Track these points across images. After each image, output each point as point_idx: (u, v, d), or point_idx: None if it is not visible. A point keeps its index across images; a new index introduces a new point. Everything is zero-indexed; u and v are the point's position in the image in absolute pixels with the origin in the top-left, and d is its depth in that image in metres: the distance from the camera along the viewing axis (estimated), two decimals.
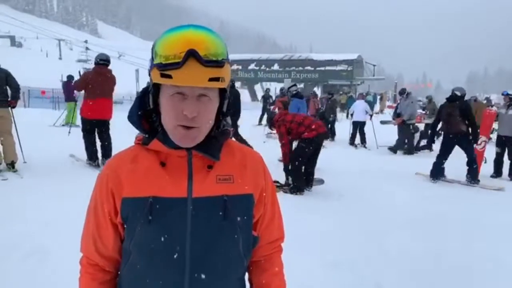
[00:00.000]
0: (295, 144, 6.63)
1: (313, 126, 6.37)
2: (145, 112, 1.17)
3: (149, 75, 1.11)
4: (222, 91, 1.14)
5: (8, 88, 6.66)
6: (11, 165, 6.60)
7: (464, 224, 5.15)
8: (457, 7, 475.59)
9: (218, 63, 1.04)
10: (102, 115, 7.20)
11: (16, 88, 6.72)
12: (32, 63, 52.36)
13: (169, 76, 1.03)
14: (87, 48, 65.34)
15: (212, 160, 1.16)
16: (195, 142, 1.12)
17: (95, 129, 7.29)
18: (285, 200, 5.95)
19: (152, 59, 1.08)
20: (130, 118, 1.18)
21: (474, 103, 14.66)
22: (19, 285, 3.24)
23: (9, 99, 6.69)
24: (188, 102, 1.06)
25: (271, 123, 6.97)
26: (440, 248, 4.29)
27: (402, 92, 11.76)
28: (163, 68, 1.03)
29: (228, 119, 1.24)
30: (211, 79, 1.04)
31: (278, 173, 6.65)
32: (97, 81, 7.08)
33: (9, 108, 6.71)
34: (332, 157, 8.67)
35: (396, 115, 11.69)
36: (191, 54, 1.01)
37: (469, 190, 7.14)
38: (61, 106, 19.94)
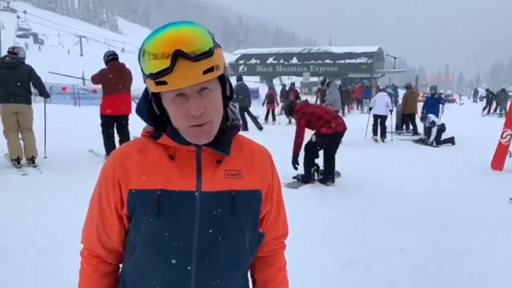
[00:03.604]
0: (312, 136, 6.57)
1: (333, 124, 6.37)
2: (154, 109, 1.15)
3: (145, 82, 1.09)
4: (220, 77, 1.11)
5: (31, 84, 6.78)
6: (32, 161, 6.72)
7: (485, 222, 5.02)
8: None
9: (208, 54, 1.01)
10: (121, 110, 7.25)
11: (39, 83, 6.83)
12: (54, 60, 53.24)
13: (164, 83, 1.01)
14: (25, 12, 66.12)
15: (221, 155, 1.14)
16: (211, 137, 1.10)
17: (114, 124, 7.36)
18: (302, 195, 5.97)
19: (142, 70, 1.06)
20: (139, 111, 1.17)
21: (407, 91, 14.50)
22: (36, 278, 3.30)
23: (31, 95, 6.83)
24: (191, 101, 1.04)
25: (289, 111, 6.82)
26: (459, 247, 4.19)
27: (323, 81, 12.32)
28: (155, 77, 1.01)
29: (237, 113, 1.21)
30: (205, 72, 1.01)
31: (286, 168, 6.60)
32: (113, 76, 7.14)
33: (31, 104, 6.83)
34: (349, 152, 8.56)
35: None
36: (178, 55, 0.98)
37: (495, 185, 6.91)
38: (82, 103, 20.24)
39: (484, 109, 24.30)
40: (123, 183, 1.13)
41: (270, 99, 17.29)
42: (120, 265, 1.25)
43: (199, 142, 1.09)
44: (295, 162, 6.56)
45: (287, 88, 20.45)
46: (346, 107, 22.91)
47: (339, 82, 37.42)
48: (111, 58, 7.31)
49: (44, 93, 7.08)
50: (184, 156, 1.13)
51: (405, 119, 14.09)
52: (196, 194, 1.11)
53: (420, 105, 14.47)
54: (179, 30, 1.02)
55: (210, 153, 1.14)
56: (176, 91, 1.03)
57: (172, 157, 1.13)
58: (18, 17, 75.20)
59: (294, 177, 6.70)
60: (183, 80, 1.00)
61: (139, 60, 1.06)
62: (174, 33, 1.01)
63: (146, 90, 1.15)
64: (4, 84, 6.44)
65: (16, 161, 6.60)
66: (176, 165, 1.12)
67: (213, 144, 1.12)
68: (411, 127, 14.07)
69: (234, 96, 1.20)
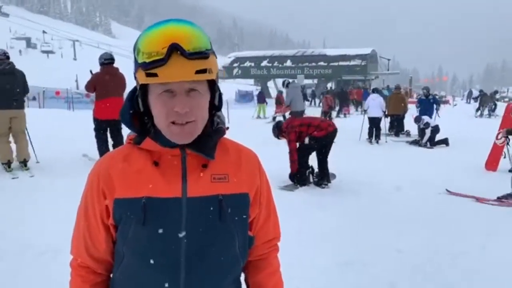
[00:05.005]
0: (305, 139, 6.55)
1: (323, 126, 6.46)
2: (137, 112, 1.14)
3: (135, 78, 1.09)
4: (211, 84, 1.11)
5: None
6: (24, 163, 6.74)
7: (481, 222, 5.03)
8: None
9: (203, 54, 1.02)
10: (113, 115, 7.20)
11: (28, 91, 7.01)
12: (47, 64, 53.01)
13: (155, 75, 1.01)
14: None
15: (206, 159, 1.13)
16: (192, 137, 1.09)
17: (107, 128, 7.33)
18: (298, 197, 5.98)
19: (135, 60, 1.05)
20: (122, 117, 1.15)
21: (394, 91, 14.66)
22: (33, 282, 3.29)
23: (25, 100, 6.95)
24: (177, 99, 1.03)
25: (278, 132, 6.87)
26: (456, 248, 4.20)
27: (283, 83, 12.84)
28: (147, 67, 1.00)
29: (222, 116, 1.20)
30: (198, 72, 1.01)
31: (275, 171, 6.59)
32: (105, 80, 7.12)
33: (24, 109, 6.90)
34: (344, 154, 8.57)
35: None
36: (174, 48, 0.98)
37: (490, 186, 6.94)
38: (76, 107, 20.15)
39: (477, 110, 24.41)
40: (107, 192, 1.12)
41: (279, 102, 18.74)
42: (111, 275, 1.24)
43: (180, 141, 1.08)
44: (293, 179, 6.59)
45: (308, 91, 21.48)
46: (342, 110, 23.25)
47: (330, 85, 37.65)
48: (107, 62, 7.29)
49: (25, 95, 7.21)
50: (168, 161, 1.12)
51: (391, 120, 14.21)
52: (182, 200, 1.09)
53: (410, 106, 14.67)
54: (179, 26, 1.02)
55: (195, 157, 1.12)
56: (164, 86, 1.03)
57: (157, 163, 1.11)
58: None
59: (291, 180, 6.69)
60: (174, 74, 1.00)
61: (134, 49, 1.05)
62: (173, 28, 1.01)
63: (131, 94, 1.15)
64: (8, 90, 6.52)
65: (7, 165, 6.61)
66: (161, 171, 1.11)
67: (198, 147, 1.11)
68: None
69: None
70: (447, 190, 6.32)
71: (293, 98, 12.02)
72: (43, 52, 68.69)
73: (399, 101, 14.02)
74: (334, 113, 21.58)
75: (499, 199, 5.91)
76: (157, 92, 1.05)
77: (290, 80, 13.17)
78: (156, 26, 1.04)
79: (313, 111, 18.65)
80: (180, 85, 1.02)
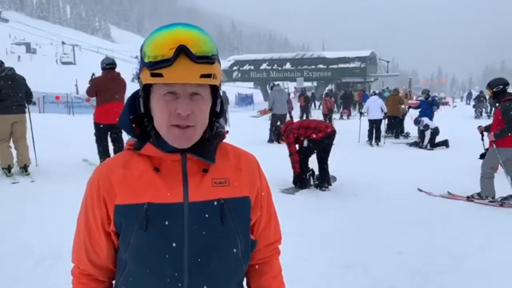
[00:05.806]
0: (304, 141, 6.57)
1: (322, 128, 6.46)
2: (137, 116, 1.14)
3: (138, 79, 1.09)
4: (214, 91, 1.12)
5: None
6: (24, 169, 6.76)
7: (482, 224, 5.02)
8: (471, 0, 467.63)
9: (209, 59, 1.03)
10: (114, 119, 7.20)
11: (29, 90, 7.02)
12: (47, 68, 53.08)
13: (160, 75, 1.01)
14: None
15: (207, 164, 1.13)
16: (191, 142, 1.09)
17: (108, 133, 7.33)
18: (299, 200, 5.98)
19: (142, 60, 1.05)
20: (121, 122, 1.16)
21: (392, 92, 14.72)
22: None
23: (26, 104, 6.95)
24: (180, 101, 1.04)
25: (278, 136, 6.91)
26: (457, 250, 4.19)
27: (268, 85, 13.58)
28: (153, 66, 1.01)
29: (222, 121, 1.21)
30: (202, 76, 1.02)
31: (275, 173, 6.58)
32: (106, 85, 7.13)
33: (26, 113, 6.93)
34: (344, 156, 8.58)
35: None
36: (182, 51, 0.99)
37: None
38: (76, 111, 20.16)
39: (475, 111, 24.42)
40: (108, 199, 1.11)
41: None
42: (113, 282, 1.23)
43: (179, 146, 1.08)
44: (296, 181, 6.60)
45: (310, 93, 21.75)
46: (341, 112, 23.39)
47: (315, 88, 37.79)
48: (108, 67, 7.30)
49: (31, 100, 7.23)
50: (169, 167, 1.12)
51: (389, 122, 14.24)
52: (184, 205, 1.09)
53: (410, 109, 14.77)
54: (188, 30, 1.04)
55: (195, 162, 1.13)
56: (168, 88, 1.03)
57: (157, 169, 1.11)
58: None
59: (294, 183, 6.69)
60: (179, 76, 1.01)
61: (141, 49, 1.06)
62: (182, 31, 1.03)
63: (130, 99, 1.15)
64: (12, 96, 6.59)
65: (7, 170, 6.62)
66: (162, 177, 1.11)
67: (198, 152, 1.11)
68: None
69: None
70: (418, 189, 6.54)
71: (274, 100, 12.17)
72: (63, 63, 67.62)
73: (397, 103, 14.09)
74: (337, 115, 21.66)
75: (468, 198, 6.04)
76: (160, 93, 1.05)
77: (276, 83, 13.38)
78: (163, 29, 1.04)
79: (314, 113, 18.66)
80: (184, 88, 1.03)
